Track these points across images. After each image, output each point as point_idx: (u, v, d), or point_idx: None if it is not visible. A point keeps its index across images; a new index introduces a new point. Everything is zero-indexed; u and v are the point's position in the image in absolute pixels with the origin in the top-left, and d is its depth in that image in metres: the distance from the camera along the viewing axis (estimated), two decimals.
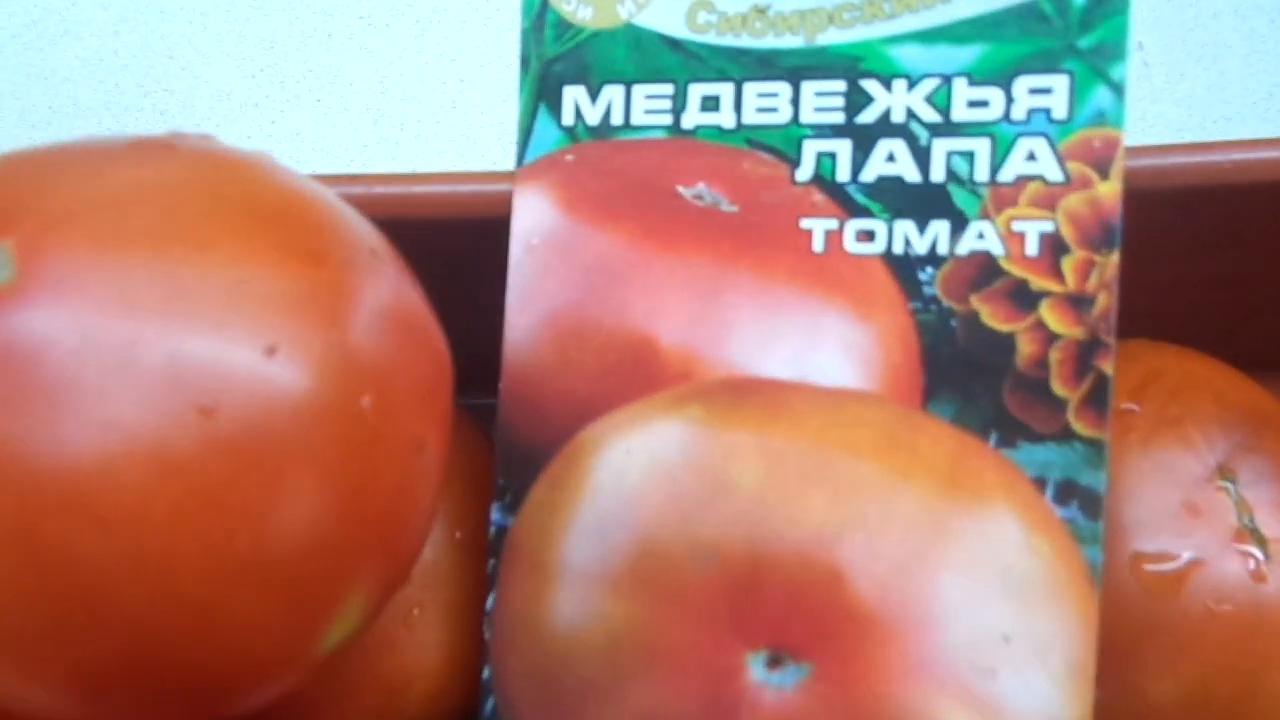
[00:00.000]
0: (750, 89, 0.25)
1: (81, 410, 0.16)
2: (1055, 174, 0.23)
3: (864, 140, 0.24)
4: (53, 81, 0.45)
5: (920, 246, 0.24)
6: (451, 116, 0.44)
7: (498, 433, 0.26)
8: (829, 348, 0.24)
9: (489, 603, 0.26)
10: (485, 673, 0.26)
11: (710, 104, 0.25)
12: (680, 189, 0.25)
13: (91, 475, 0.16)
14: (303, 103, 0.45)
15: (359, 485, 0.19)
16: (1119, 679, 0.25)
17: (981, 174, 0.23)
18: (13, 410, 0.16)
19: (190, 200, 0.18)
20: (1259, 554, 0.25)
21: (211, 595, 0.18)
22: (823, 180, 0.24)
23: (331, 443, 0.18)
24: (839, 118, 0.24)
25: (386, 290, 0.20)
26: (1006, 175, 0.23)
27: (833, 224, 0.24)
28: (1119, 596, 0.26)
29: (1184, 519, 0.26)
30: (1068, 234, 0.23)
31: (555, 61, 0.27)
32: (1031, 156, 0.23)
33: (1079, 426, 0.23)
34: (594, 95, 0.26)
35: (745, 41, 0.25)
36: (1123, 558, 0.26)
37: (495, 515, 0.26)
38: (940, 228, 0.24)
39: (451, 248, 0.26)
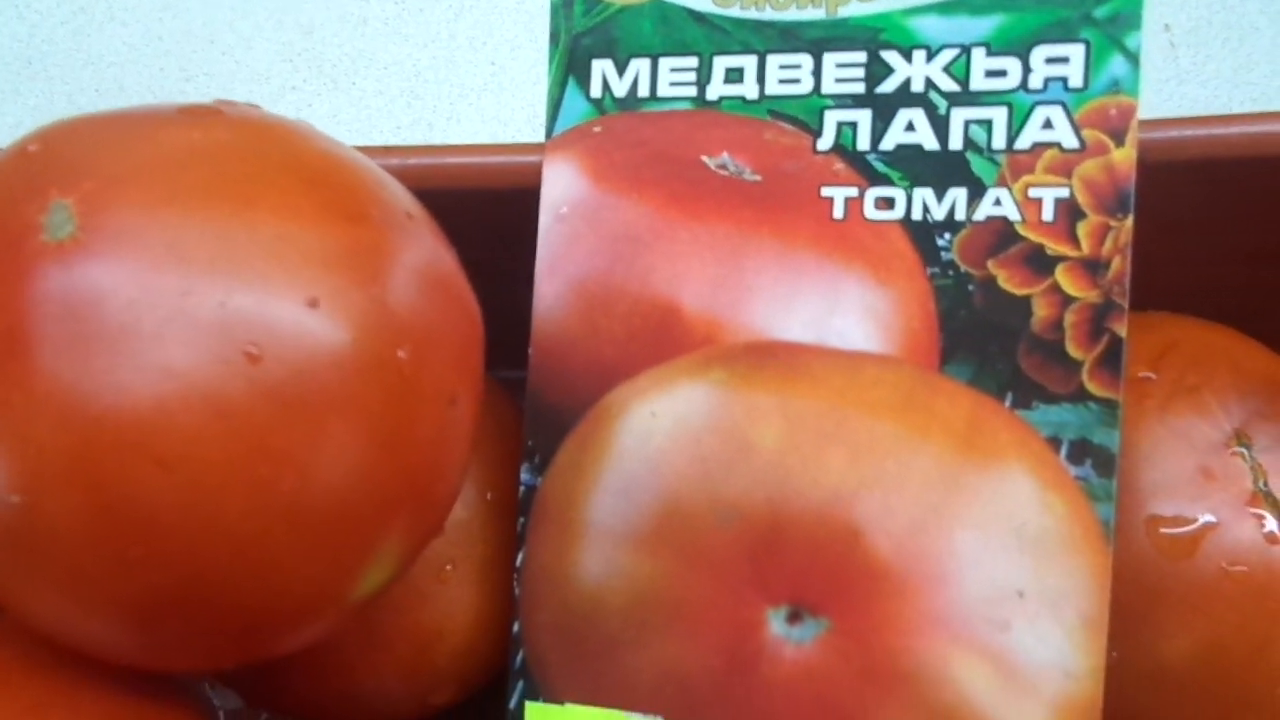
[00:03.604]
0: (773, 61, 0.26)
1: (138, 356, 0.17)
2: (1071, 141, 0.23)
3: (884, 110, 0.25)
4: (99, 66, 0.46)
5: (938, 213, 0.24)
6: (483, 99, 0.45)
7: (527, 396, 0.27)
8: (849, 312, 0.25)
9: (518, 559, 0.27)
10: (515, 627, 0.27)
11: (734, 76, 0.26)
12: (704, 159, 0.26)
13: (149, 417, 0.17)
14: (339, 86, 0.46)
15: (395, 435, 0.20)
16: (1134, 639, 0.26)
17: (999, 142, 0.24)
18: (75, 356, 0.17)
19: (237, 161, 0.19)
20: (1273, 517, 0.26)
21: (257, 534, 0.19)
22: (843, 149, 0.25)
23: (369, 392, 0.19)
24: (859, 88, 0.25)
25: (422, 251, 0.21)
26: (1023, 143, 0.24)
27: (853, 192, 0.25)
28: (1135, 559, 0.26)
29: (1200, 483, 0.26)
30: (1083, 200, 0.23)
31: (584, 36, 0.27)
32: (1048, 124, 0.24)
33: (1093, 387, 0.23)
34: (621, 68, 0.27)
35: (768, 14, 0.26)
36: (1138, 521, 0.26)
37: (525, 475, 0.27)
38: (958, 195, 0.24)
39: (483, 218, 0.27)
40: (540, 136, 0.28)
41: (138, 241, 0.18)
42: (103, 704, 0.21)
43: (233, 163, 0.19)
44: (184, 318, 0.18)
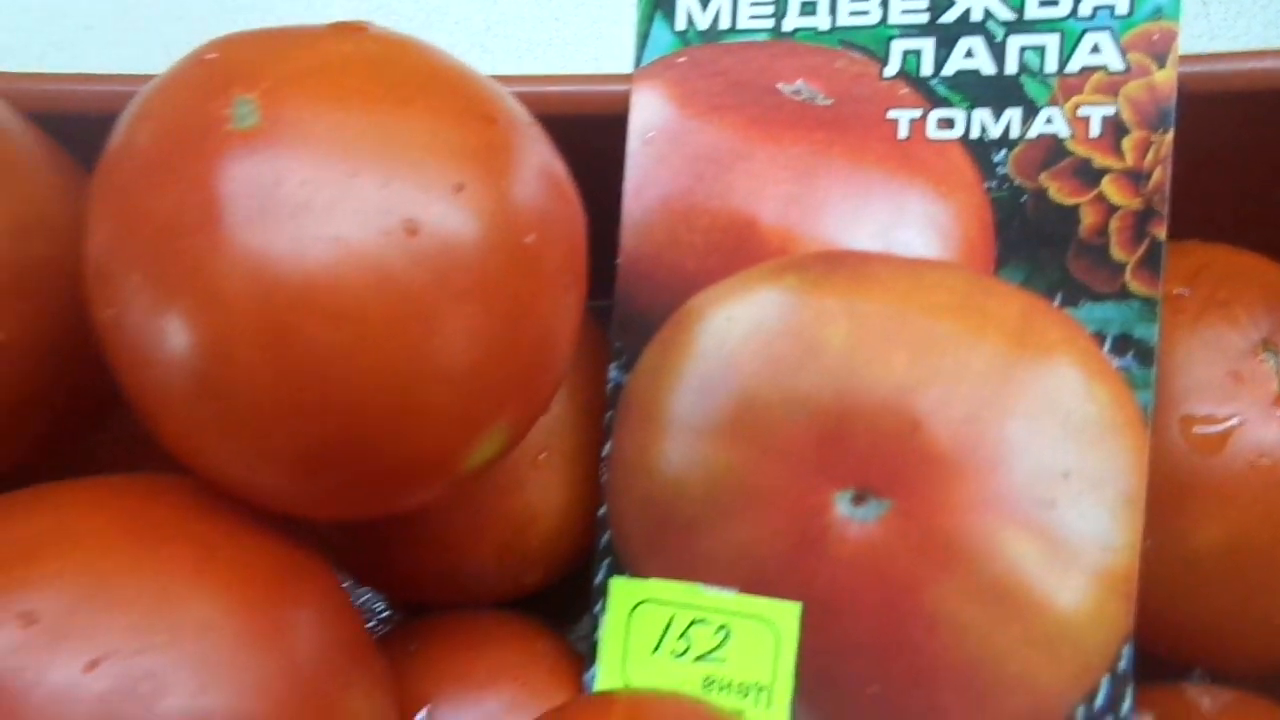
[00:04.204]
0: None
1: (313, 227, 0.20)
2: (1117, 64, 0.26)
3: (946, 38, 0.27)
4: (188, 21, 0.49)
5: (995, 132, 0.27)
6: (548, 53, 0.48)
7: (616, 302, 0.30)
8: (912, 223, 0.28)
9: (605, 450, 0.30)
10: (601, 510, 0.30)
11: (808, 8, 0.28)
12: (780, 86, 0.29)
13: (323, 279, 0.20)
14: None
15: (521, 312, 0.23)
16: (1168, 528, 0.28)
17: (1051, 66, 0.26)
18: (260, 227, 0.20)
19: (387, 68, 0.22)
20: None
21: (406, 388, 0.21)
22: (908, 75, 0.28)
23: (502, 271, 0.22)
24: (923, 18, 0.27)
25: (542, 152, 0.24)
26: (1074, 66, 0.26)
27: (916, 114, 0.27)
28: (1168, 455, 0.29)
29: (1229, 386, 0.29)
30: (1128, 117, 0.26)
31: None
32: (1096, 49, 0.26)
33: (1135, 286, 0.26)
34: (704, 2, 0.29)
35: None
36: (1172, 421, 0.29)
37: (612, 374, 0.30)
38: (1013, 115, 0.27)
39: (575, 143, 0.30)
40: None
41: (311, 131, 0.21)
42: (259, 549, 0.23)
43: (384, 69, 0.22)
44: (352, 195, 0.20)
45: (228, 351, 0.20)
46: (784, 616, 0.28)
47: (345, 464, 0.22)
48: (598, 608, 0.29)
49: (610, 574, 0.29)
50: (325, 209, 0.20)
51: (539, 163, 0.23)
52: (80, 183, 0.27)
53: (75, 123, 0.27)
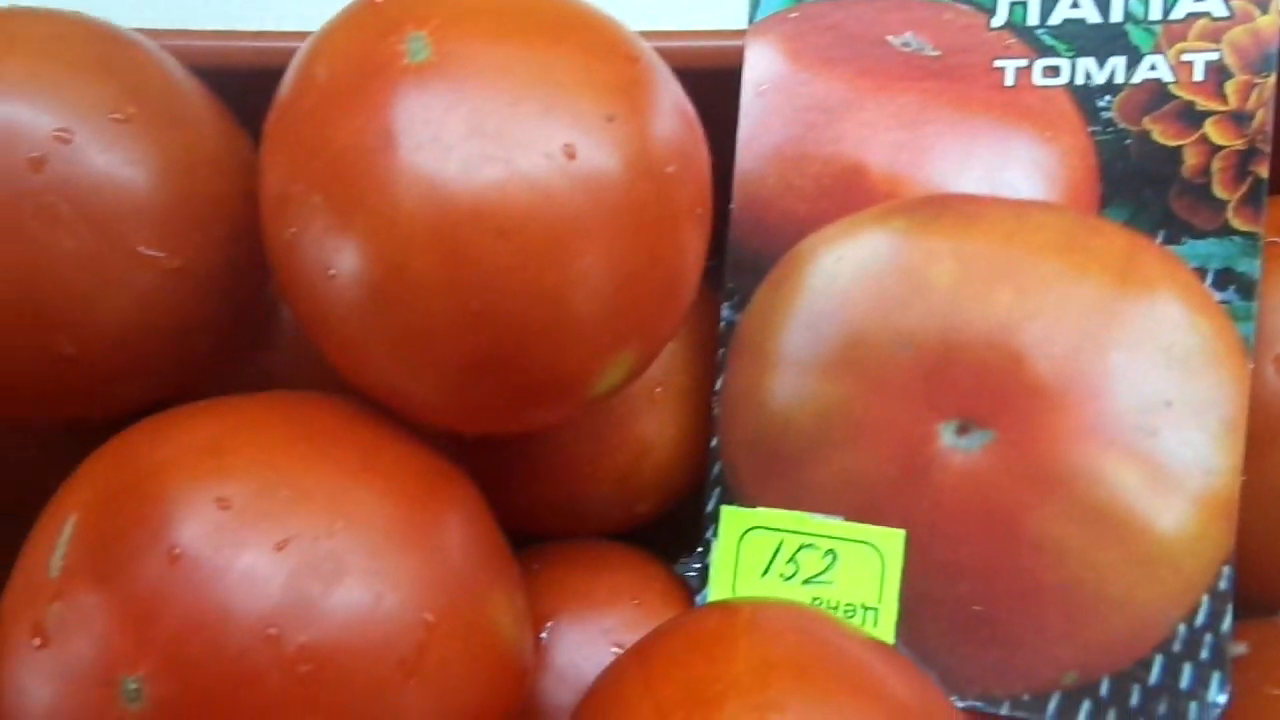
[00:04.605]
0: None
1: (482, 150, 0.22)
2: (1221, 10, 0.27)
3: None
4: None
5: (1099, 78, 0.28)
6: (667, 10, 0.50)
7: (730, 245, 0.31)
8: (1018, 167, 0.29)
9: (717, 385, 0.31)
10: (713, 442, 0.31)
11: None
12: (889, 38, 0.30)
13: (491, 196, 0.22)
14: None
15: (660, 239, 0.25)
16: (1262, 461, 0.29)
17: (1155, 13, 0.28)
18: (434, 151, 0.22)
19: (539, 10, 0.24)
20: None
21: (560, 305, 0.23)
22: (1014, 25, 0.29)
23: (646, 197, 0.24)
24: None
25: (676, 90, 0.25)
26: (1178, 13, 0.27)
27: (1022, 62, 0.29)
28: (1263, 392, 0.30)
29: None
30: (1231, 61, 0.27)
31: None
32: None
33: (1237, 222, 0.27)
34: None
35: None
36: (1268, 360, 0.30)
37: (725, 313, 0.31)
38: (1118, 62, 0.28)
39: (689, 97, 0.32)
40: None
41: (477, 64, 0.23)
42: (414, 457, 0.25)
43: (537, 11, 0.24)
44: (516, 122, 0.22)
45: (402, 264, 0.22)
46: (890, 541, 0.29)
47: (497, 374, 0.24)
48: (709, 534, 0.31)
49: (721, 503, 0.31)
50: (493, 134, 0.22)
51: (675, 100, 0.25)
52: (233, 126, 0.29)
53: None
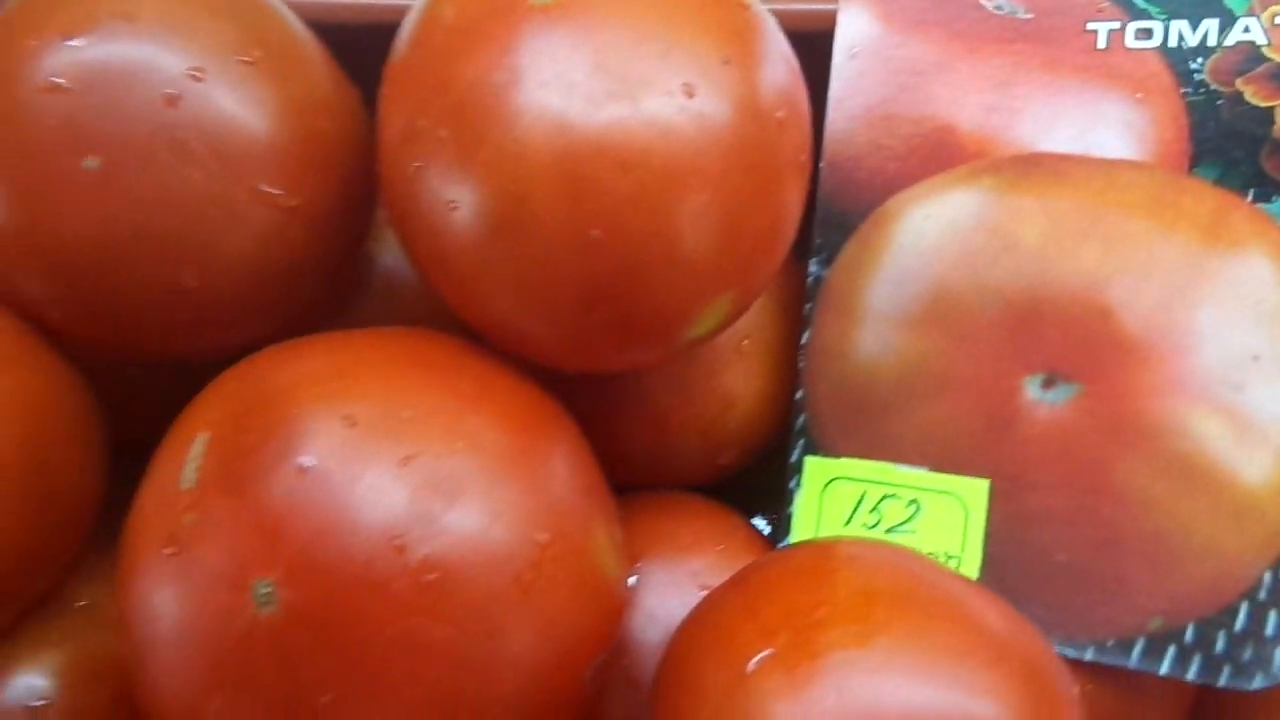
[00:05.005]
0: None
1: (606, 86, 0.23)
2: None
3: None
4: None
5: (1192, 40, 0.29)
6: None
7: (819, 202, 0.32)
8: (1108, 128, 0.30)
9: (803, 339, 0.32)
10: (798, 395, 0.32)
11: None
12: (982, 1, 0.31)
13: (615, 131, 0.23)
14: None
15: (766, 183, 0.25)
16: None
17: None
18: (560, 87, 0.23)
19: None
20: None
21: (674, 240, 0.24)
22: None
23: (757, 139, 0.25)
24: None
25: (783, 40, 0.26)
26: None
27: (1115, 25, 0.29)
28: None
29: None
30: None
31: None
32: None
33: None
34: None
35: None
36: None
37: (813, 268, 0.32)
38: (1210, 24, 0.29)
39: None
40: None
41: (600, 5, 0.24)
42: (522, 390, 0.26)
43: None
44: (638, 60, 0.23)
45: (525, 195, 0.23)
46: (973, 491, 0.30)
47: (608, 306, 0.25)
48: (791, 484, 0.32)
49: (805, 454, 0.32)
50: (615, 73, 0.23)
51: (782, 49, 0.26)
52: (342, 74, 0.30)
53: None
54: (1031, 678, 0.23)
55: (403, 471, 0.23)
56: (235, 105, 0.27)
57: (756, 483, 0.35)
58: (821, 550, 0.26)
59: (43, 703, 0.29)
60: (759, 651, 0.23)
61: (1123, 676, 0.28)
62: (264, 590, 0.22)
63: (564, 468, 0.26)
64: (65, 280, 0.27)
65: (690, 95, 0.23)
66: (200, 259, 0.27)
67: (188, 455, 0.24)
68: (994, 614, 0.24)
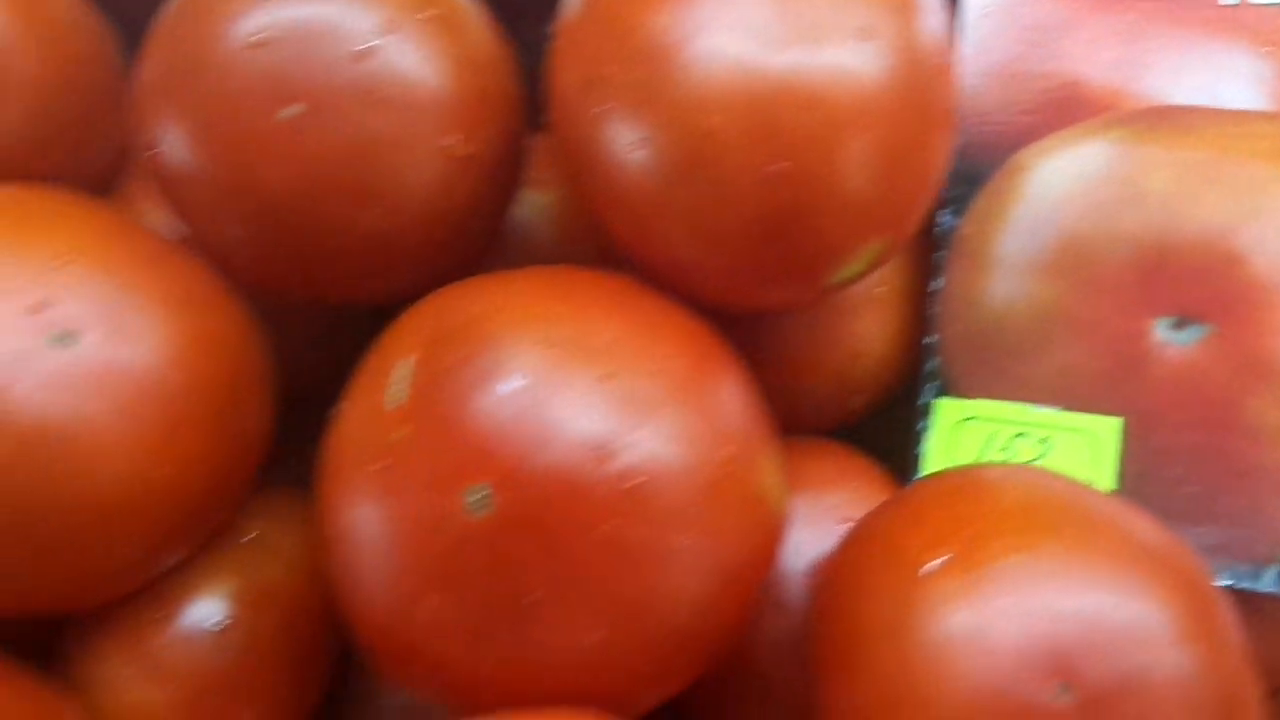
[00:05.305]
0: None
1: (789, 27, 0.25)
2: None
3: None
4: None
5: None
6: None
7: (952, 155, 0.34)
8: (1235, 81, 0.31)
9: (934, 286, 0.34)
10: (928, 340, 0.34)
11: None
12: None
13: (800, 69, 0.25)
14: None
15: (924, 129, 0.27)
16: None
17: None
18: (749, 30, 0.25)
19: None
20: None
21: (847, 178, 0.26)
22: None
23: (921, 85, 0.26)
24: None
25: (934, 5, 0.28)
26: None
27: None
28: None
29: None
30: None
31: None
32: None
33: None
34: None
35: None
36: None
37: (944, 219, 0.34)
38: None
39: None
40: None
41: None
42: (695, 326, 0.28)
43: None
44: (817, 6, 0.25)
45: (712, 132, 0.25)
46: (1105, 429, 0.31)
47: (781, 241, 0.26)
48: (920, 426, 0.33)
49: (935, 396, 0.33)
50: (797, 17, 0.25)
51: (935, 9, 0.28)
52: (502, 32, 0.32)
53: None
54: (1189, 583, 0.24)
55: (602, 389, 0.25)
56: (417, 60, 0.29)
57: (882, 429, 0.37)
58: (977, 472, 0.28)
59: (223, 625, 0.31)
60: (930, 559, 0.25)
61: (1253, 601, 0.30)
62: (477, 497, 0.24)
63: (737, 394, 0.27)
64: (262, 223, 0.29)
65: (865, 40, 0.25)
66: (384, 203, 0.29)
67: (391, 379, 0.26)
68: (1147, 526, 0.26)
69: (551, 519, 0.24)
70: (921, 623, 0.24)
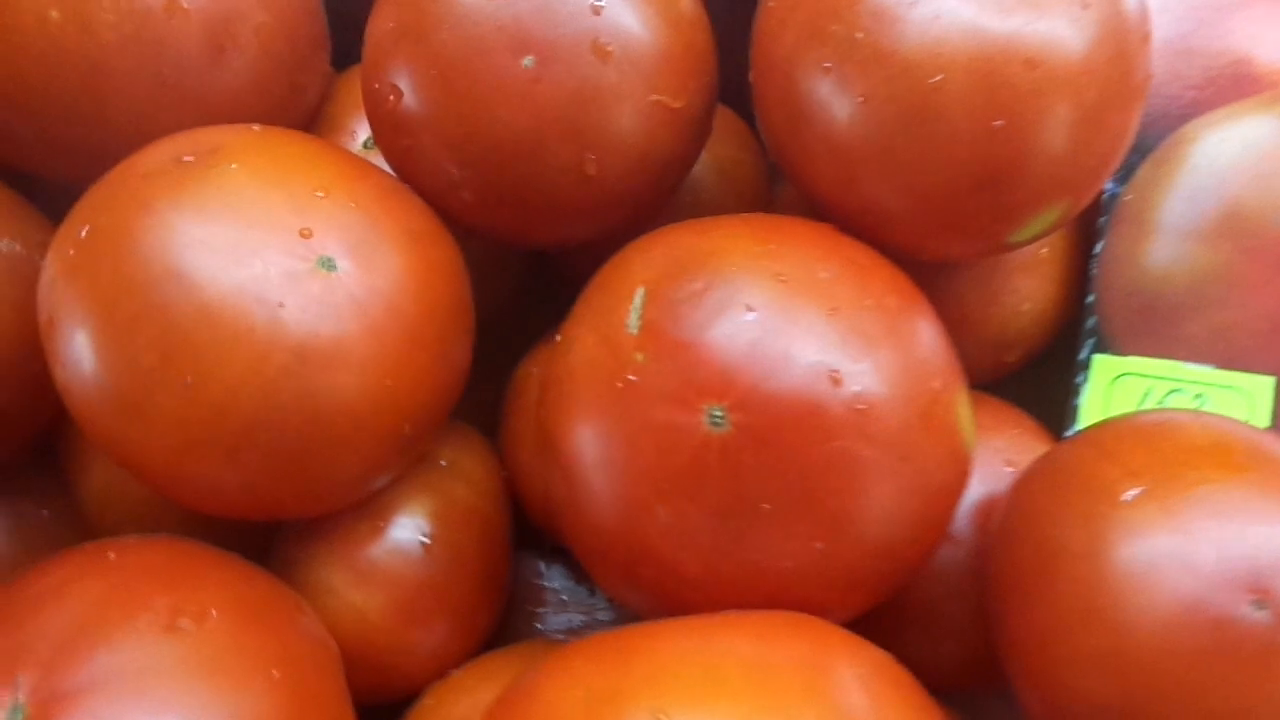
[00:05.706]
0: None
1: (1007, 3, 0.27)
2: None
3: None
4: None
5: None
6: None
7: None
8: None
9: (1096, 249, 0.36)
10: (1088, 299, 0.36)
11: None
12: None
13: (1024, 31, 0.27)
14: None
15: (1120, 96, 0.29)
16: None
17: None
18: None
19: None
20: None
21: (1063, 136, 0.28)
22: None
23: (1127, 52, 0.28)
24: None
25: None
26: None
27: None
28: None
29: None
30: None
31: None
32: None
33: None
34: None
35: None
36: None
37: (1109, 186, 0.36)
38: None
39: None
40: None
41: None
42: (893, 268, 0.30)
43: None
44: None
45: (940, 86, 0.27)
46: (1259, 387, 0.33)
47: (991, 191, 0.29)
48: (1078, 379, 0.35)
49: (1093, 352, 0.35)
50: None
51: None
52: None
53: None
54: None
55: (832, 319, 0.27)
56: (641, 16, 0.31)
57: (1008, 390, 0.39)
58: (1169, 413, 0.30)
59: (428, 540, 0.34)
60: (1128, 489, 0.27)
61: None
62: (717, 413, 0.26)
63: (938, 333, 0.29)
64: (489, 165, 0.31)
65: (1084, 7, 0.27)
66: (603, 150, 0.31)
67: (628, 307, 0.28)
68: None
69: (785, 437, 0.26)
70: (1120, 544, 0.26)
